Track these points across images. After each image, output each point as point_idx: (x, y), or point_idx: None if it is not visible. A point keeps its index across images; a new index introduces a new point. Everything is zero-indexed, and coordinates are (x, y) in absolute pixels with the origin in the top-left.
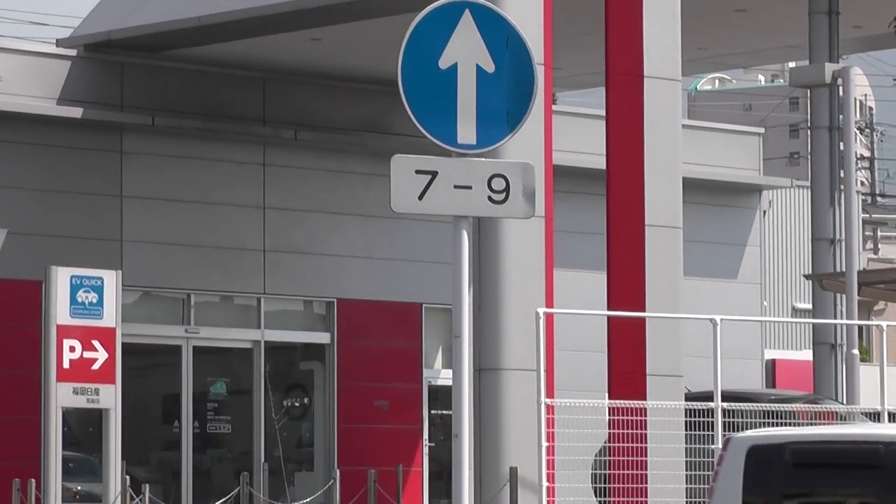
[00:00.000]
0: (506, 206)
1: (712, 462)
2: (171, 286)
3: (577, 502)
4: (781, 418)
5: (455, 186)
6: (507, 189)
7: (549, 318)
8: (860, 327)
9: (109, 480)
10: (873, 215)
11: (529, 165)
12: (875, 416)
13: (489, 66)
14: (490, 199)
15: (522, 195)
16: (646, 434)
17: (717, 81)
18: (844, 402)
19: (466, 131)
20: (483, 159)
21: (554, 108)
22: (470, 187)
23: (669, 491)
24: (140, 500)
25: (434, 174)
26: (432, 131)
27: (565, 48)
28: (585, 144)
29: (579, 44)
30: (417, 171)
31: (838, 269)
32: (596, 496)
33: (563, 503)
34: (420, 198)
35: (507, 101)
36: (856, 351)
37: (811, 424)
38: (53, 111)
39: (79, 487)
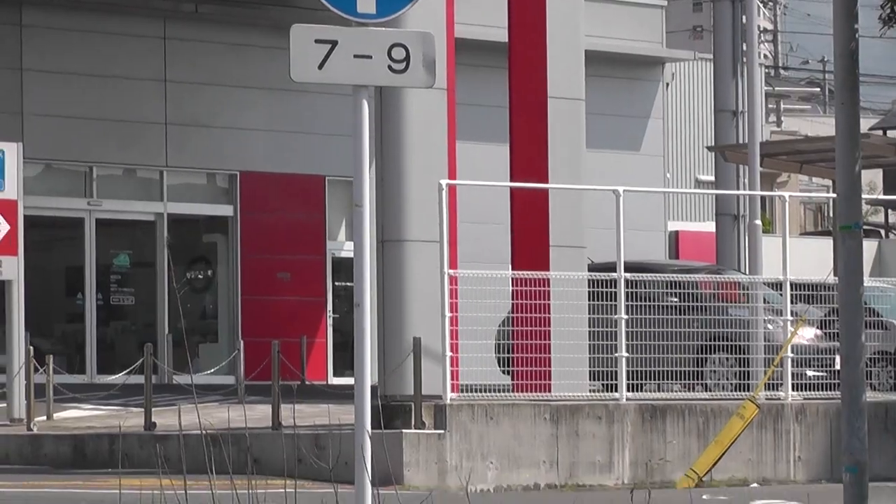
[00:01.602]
0: (406, 76)
1: (615, 332)
2: (74, 159)
3: (481, 372)
4: (685, 288)
5: (355, 56)
6: (407, 59)
7: (452, 189)
8: (763, 198)
9: (13, 351)
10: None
11: (430, 35)
12: (777, 286)
13: None
14: (390, 68)
15: (423, 65)
16: (549, 304)
17: None
18: (747, 272)
19: (366, 1)
20: (383, 29)
21: None
22: (370, 57)
23: (573, 360)
24: (44, 370)
25: (334, 44)
26: (332, 1)
27: None
28: (488, 17)
29: None
30: (317, 41)
31: (741, 141)
32: (500, 366)
33: (466, 373)
34: (320, 67)
35: None
36: (758, 222)
37: (714, 296)
38: None
39: None
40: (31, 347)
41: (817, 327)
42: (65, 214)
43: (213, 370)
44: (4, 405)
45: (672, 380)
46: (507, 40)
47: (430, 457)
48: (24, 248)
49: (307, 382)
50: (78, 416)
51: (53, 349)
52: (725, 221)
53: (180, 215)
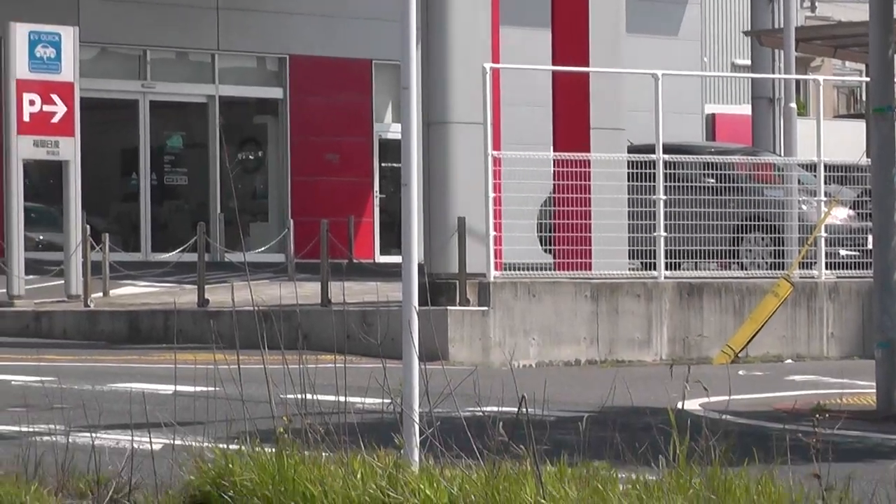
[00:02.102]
0: None
1: (653, 212)
2: (128, 42)
3: (523, 251)
4: (721, 170)
5: None
6: None
7: (495, 72)
8: (797, 81)
9: (70, 230)
10: None
11: None
12: (811, 168)
13: None
14: None
15: None
16: (589, 185)
17: None
18: (782, 154)
19: None
20: None
21: None
22: None
23: (612, 239)
24: (100, 248)
25: None
26: None
27: None
28: None
29: None
30: None
31: (777, 26)
32: (541, 244)
33: (509, 251)
34: None
35: None
36: (793, 105)
37: (750, 177)
38: None
39: (41, 237)
40: (88, 226)
41: (850, 207)
42: (119, 97)
43: (263, 248)
44: (62, 282)
45: (709, 259)
46: None
47: (474, 333)
48: (81, 129)
49: (354, 260)
50: (133, 293)
51: (109, 228)
52: (761, 104)
53: (231, 97)
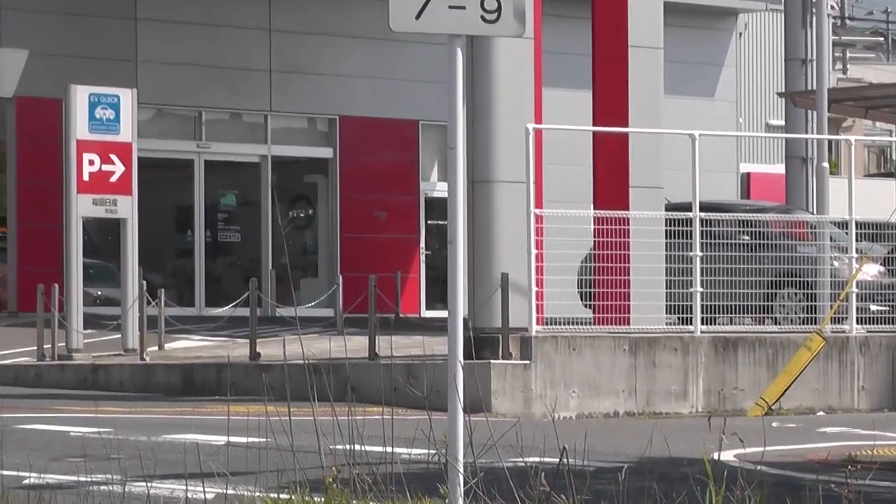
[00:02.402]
0: (497, 25)
1: (690, 268)
2: (184, 104)
3: (564, 306)
4: (755, 227)
5: (450, 7)
6: (498, 9)
7: (538, 133)
8: (830, 142)
9: (128, 285)
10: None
11: None
12: (843, 225)
13: None
14: (483, 18)
15: (513, 15)
16: (629, 242)
17: None
18: (814, 211)
19: None
20: None
21: None
22: (464, 7)
23: (651, 295)
24: (156, 303)
25: None
26: None
27: None
28: None
29: None
30: None
31: (810, 88)
32: (582, 300)
33: (550, 306)
34: (417, 17)
35: None
36: (825, 164)
37: (783, 234)
38: None
39: (99, 292)
40: (144, 282)
41: (881, 264)
42: (175, 156)
43: (313, 303)
44: (119, 336)
45: (743, 313)
46: None
47: (516, 385)
48: (138, 187)
49: (401, 315)
50: (187, 346)
51: (164, 283)
52: (794, 164)
53: (283, 157)
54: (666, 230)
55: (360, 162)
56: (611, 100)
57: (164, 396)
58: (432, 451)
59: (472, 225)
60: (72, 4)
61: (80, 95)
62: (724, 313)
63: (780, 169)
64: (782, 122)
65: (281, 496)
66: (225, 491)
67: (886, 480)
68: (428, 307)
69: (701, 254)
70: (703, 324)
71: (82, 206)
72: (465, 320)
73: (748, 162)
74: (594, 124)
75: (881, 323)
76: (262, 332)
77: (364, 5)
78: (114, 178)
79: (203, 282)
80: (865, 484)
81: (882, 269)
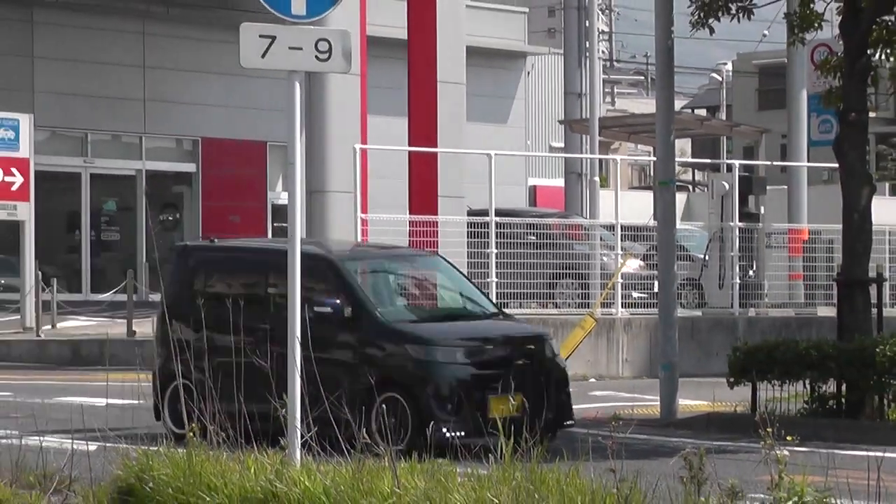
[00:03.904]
0: (328, 64)
1: (487, 262)
2: (73, 127)
3: None
4: (540, 229)
5: (289, 48)
6: (329, 50)
7: (364, 152)
8: (600, 160)
9: (25, 275)
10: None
11: (347, 32)
12: (611, 228)
13: None
14: (317, 57)
15: (342, 55)
16: (437, 241)
17: None
18: (588, 217)
19: (298, 4)
20: (311, 27)
21: None
22: (301, 48)
23: None
24: (49, 290)
25: (273, 38)
26: (272, 5)
27: None
28: (392, 19)
29: None
30: (261, 36)
31: (584, 117)
32: None
33: None
34: (263, 56)
35: None
36: (597, 178)
37: (563, 235)
38: None
39: (2, 281)
40: (40, 272)
41: (641, 259)
42: (66, 170)
43: None
44: (19, 317)
45: (530, 299)
46: (406, 37)
47: None
48: (35, 195)
49: None
50: (75, 325)
51: (56, 274)
52: (572, 178)
53: (155, 171)
54: (468, 231)
55: (218, 175)
56: (423, 125)
57: (56, 366)
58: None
59: (310, 227)
60: None
61: None
62: (515, 299)
63: (560, 182)
64: (562, 144)
65: (151, 448)
66: (104, 444)
67: (643, 434)
68: None
69: (496, 251)
70: None
71: None
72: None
73: (534, 177)
74: (410, 145)
75: (641, 307)
76: (138, 313)
77: (220, 47)
78: (14, 188)
79: (89, 272)
80: (626, 437)
81: (642, 263)
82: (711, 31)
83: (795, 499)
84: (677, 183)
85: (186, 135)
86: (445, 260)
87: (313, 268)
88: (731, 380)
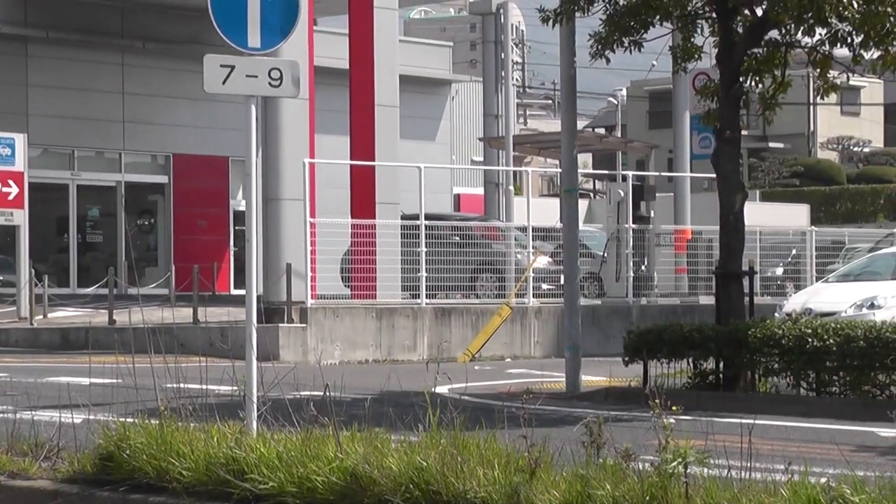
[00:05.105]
0: (280, 89)
1: (418, 258)
2: (62, 144)
3: (331, 286)
4: (463, 231)
5: (246, 76)
6: (281, 78)
7: (312, 165)
8: (514, 172)
9: (20, 272)
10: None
11: (296, 62)
12: (524, 229)
13: None
14: (270, 84)
15: (291, 82)
16: (375, 241)
17: (423, 12)
18: (504, 220)
19: (254, 39)
20: (265, 57)
21: (315, 28)
22: (256, 76)
23: (391, 278)
24: (42, 285)
25: (232, 67)
26: (232, 39)
27: None
28: (336, 52)
29: None
30: (222, 66)
31: (501, 135)
32: (343, 282)
33: (321, 287)
34: (223, 83)
35: (280, 19)
36: (512, 187)
37: (483, 236)
38: None
39: (1, 277)
40: (33, 269)
41: (549, 256)
42: (56, 182)
43: (154, 285)
44: (14, 308)
45: (455, 291)
46: (348, 67)
47: (297, 342)
48: (28, 204)
49: (217, 293)
50: (64, 315)
51: (48, 271)
52: (490, 187)
53: (133, 182)
54: (401, 233)
55: (187, 186)
56: (363, 142)
57: (47, 351)
58: (236, 389)
59: (266, 229)
60: None
61: None
62: (442, 291)
63: (480, 191)
64: (482, 158)
65: (128, 420)
66: (88, 417)
67: (551, 405)
68: (236, 287)
69: (426, 249)
70: (427, 298)
71: None
72: (259, 296)
73: (458, 186)
74: (351, 160)
75: (550, 297)
76: (118, 305)
77: (189, 76)
78: (11, 197)
79: (76, 269)
80: (536, 408)
81: (550, 260)
82: (608, 61)
83: (679, 459)
84: (580, 191)
85: (160, 151)
86: None
87: None
88: (626, 359)
